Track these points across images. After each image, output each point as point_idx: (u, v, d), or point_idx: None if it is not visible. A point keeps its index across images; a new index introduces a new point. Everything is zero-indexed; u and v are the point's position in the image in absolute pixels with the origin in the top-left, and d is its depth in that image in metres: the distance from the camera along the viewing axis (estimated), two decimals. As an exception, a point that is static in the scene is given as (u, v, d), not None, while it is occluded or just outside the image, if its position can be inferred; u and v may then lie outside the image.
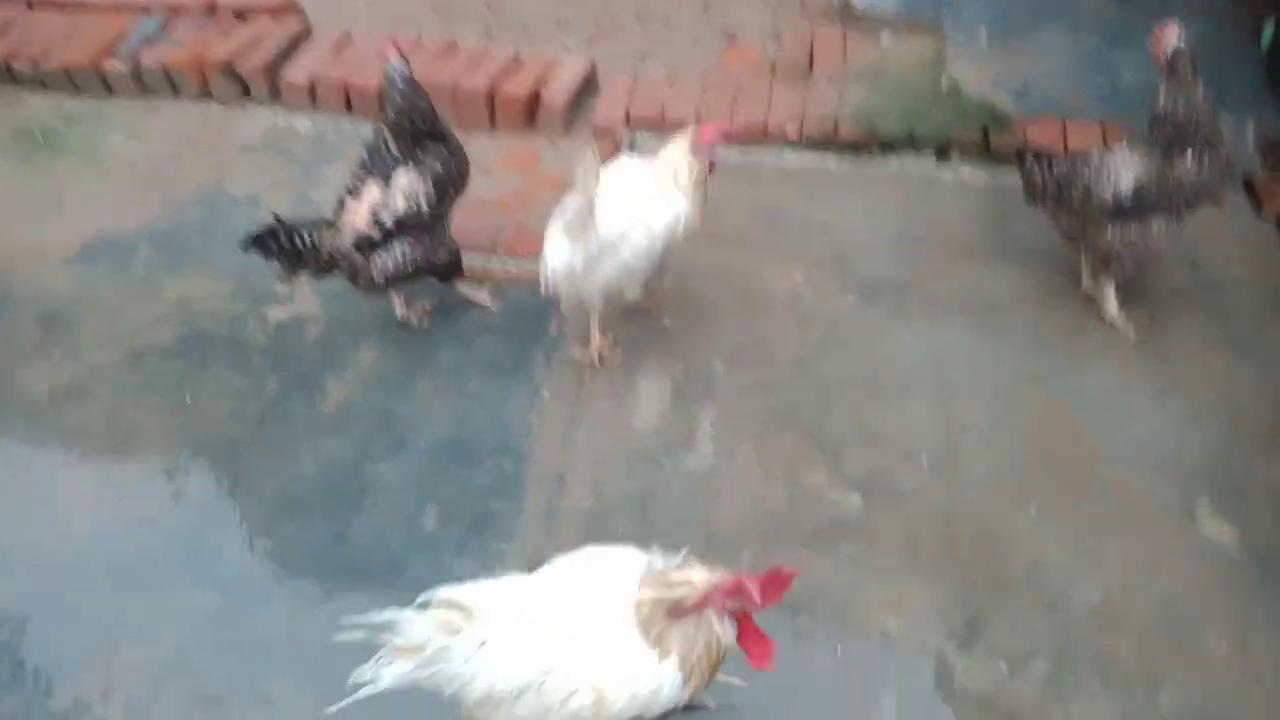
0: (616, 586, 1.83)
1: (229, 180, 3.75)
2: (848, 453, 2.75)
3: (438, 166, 2.88)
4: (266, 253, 2.73)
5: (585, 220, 2.61)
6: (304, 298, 3.20)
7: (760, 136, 3.81)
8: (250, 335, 3.11)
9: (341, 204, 2.85)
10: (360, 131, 3.60)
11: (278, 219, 2.73)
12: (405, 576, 2.42)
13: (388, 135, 2.85)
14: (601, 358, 3.00)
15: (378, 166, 2.85)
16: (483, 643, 1.77)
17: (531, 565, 2.46)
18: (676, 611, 1.77)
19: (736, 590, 1.72)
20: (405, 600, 2.32)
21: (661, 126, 3.70)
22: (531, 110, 3.95)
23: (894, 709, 2.21)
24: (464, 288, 3.19)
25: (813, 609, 2.37)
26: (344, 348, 3.07)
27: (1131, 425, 2.81)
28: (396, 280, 2.93)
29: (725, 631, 1.79)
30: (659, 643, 1.77)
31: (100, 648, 2.33)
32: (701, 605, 1.76)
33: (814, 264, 3.38)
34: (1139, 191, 2.86)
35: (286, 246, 2.72)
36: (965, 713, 2.23)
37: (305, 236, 2.74)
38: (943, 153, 3.73)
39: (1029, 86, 3.94)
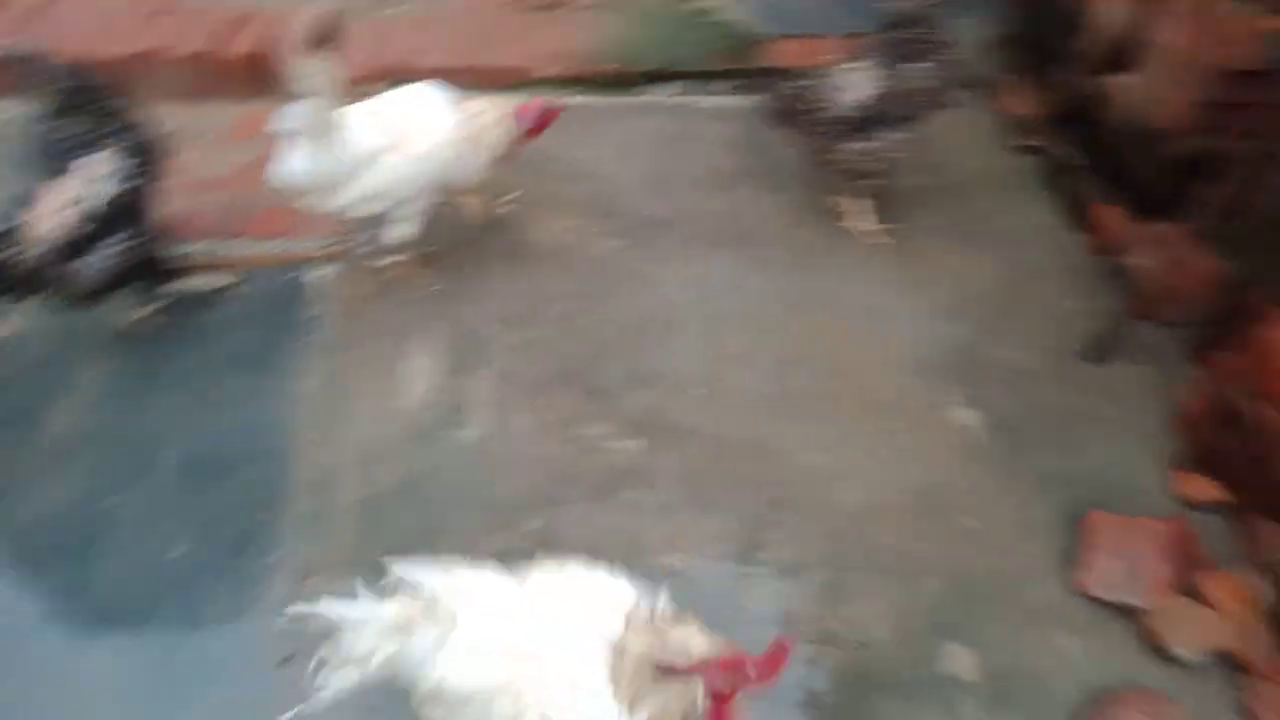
0: (595, 614, 1.70)
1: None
2: (624, 399, 2.74)
3: (130, 140, 2.56)
4: None
5: (324, 127, 2.49)
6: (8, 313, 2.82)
7: (519, 79, 3.66)
8: (-55, 368, 2.72)
9: (13, 214, 2.48)
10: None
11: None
12: (159, 616, 2.22)
13: (57, 119, 2.49)
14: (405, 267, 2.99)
15: (53, 157, 2.49)
16: (442, 640, 1.64)
17: (306, 574, 2.33)
18: (665, 669, 1.64)
19: (734, 668, 1.61)
20: (158, 645, 2.16)
21: (413, 76, 3.48)
22: (257, 70, 3.60)
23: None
24: (192, 282, 2.89)
25: (597, 560, 2.36)
26: (63, 367, 2.73)
27: (887, 330, 2.94)
28: (109, 286, 2.60)
29: (702, 703, 1.67)
30: (632, 701, 1.64)
31: None
32: (693, 673, 1.63)
33: (578, 210, 3.30)
34: (871, 105, 2.92)
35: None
36: (753, 634, 2.30)
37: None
38: (697, 80, 3.71)
39: (779, 6, 3.95)
